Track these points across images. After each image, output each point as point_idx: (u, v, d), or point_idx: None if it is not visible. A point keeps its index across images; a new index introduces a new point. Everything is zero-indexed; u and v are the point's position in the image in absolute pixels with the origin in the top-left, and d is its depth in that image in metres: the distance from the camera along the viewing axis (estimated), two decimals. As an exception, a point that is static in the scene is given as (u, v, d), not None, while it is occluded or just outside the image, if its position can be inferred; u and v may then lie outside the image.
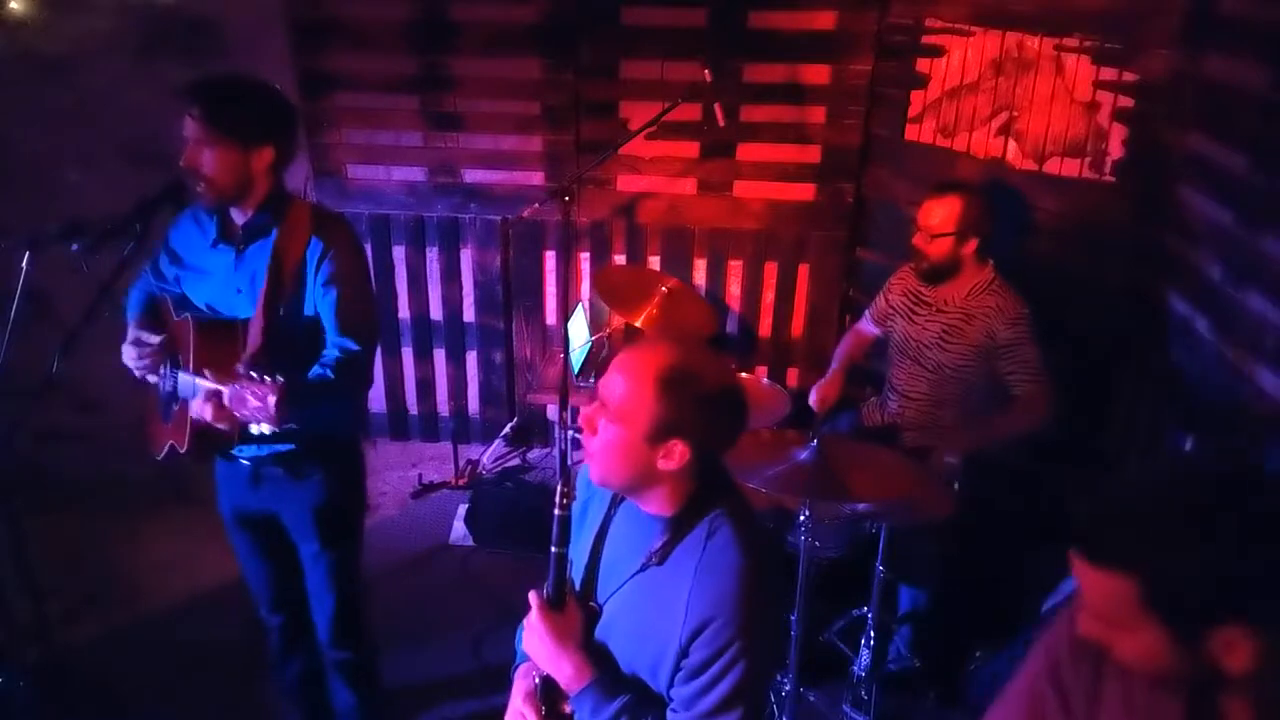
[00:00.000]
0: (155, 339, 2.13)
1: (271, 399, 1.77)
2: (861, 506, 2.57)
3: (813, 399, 3.06)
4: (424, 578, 3.56)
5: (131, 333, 2.16)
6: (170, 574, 3.48)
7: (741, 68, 3.68)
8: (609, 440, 1.43)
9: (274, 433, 1.98)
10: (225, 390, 1.84)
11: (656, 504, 1.48)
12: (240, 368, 1.83)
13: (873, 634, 2.78)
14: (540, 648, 1.53)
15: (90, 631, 3.20)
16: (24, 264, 1.94)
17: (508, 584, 3.46)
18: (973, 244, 2.82)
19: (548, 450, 4.32)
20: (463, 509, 3.84)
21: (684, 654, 1.42)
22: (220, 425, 1.91)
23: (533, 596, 1.55)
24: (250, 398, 1.78)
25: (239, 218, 2.11)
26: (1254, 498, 1.05)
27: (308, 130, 3.84)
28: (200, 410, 1.92)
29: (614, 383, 1.42)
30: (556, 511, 1.51)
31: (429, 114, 3.86)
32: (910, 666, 2.96)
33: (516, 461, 4.29)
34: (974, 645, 2.93)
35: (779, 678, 2.76)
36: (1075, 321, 3.05)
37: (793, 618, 2.61)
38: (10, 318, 1.98)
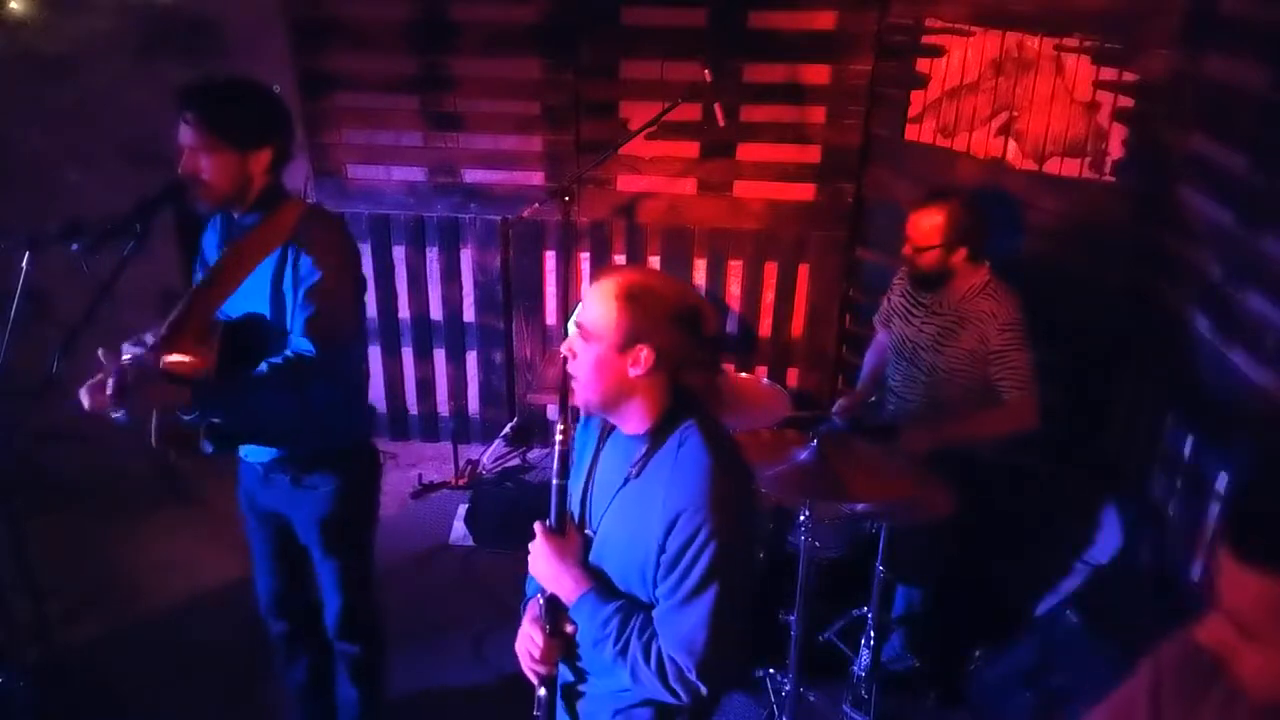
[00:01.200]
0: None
1: (110, 382, 1.72)
2: (861, 506, 2.57)
3: (836, 408, 3.17)
4: (424, 578, 3.56)
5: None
6: (170, 574, 3.48)
7: (741, 68, 3.68)
8: (586, 358, 1.58)
9: (236, 429, 1.97)
10: (111, 364, 1.78)
11: (635, 421, 1.62)
12: (148, 336, 1.81)
13: (873, 634, 2.78)
14: (544, 566, 1.67)
15: (90, 631, 3.20)
16: (24, 264, 1.94)
17: (508, 584, 3.44)
18: (961, 253, 2.80)
19: (548, 450, 4.32)
20: (463, 509, 3.84)
21: (662, 549, 1.54)
22: (100, 398, 1.80)
23: (537, 526, 1.69)
24: (103, 383, 1.74)
25: (236, 217, 2.11)
26: None
27: (308, 130, 3.84)
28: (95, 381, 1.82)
29: (587, 306, 1.59)
30: (557, 445, 1.65)
31: (429, 114, 3.86)
32: (910, 666, 2.96)
33: (516, 461, 4.29)
34: (974, 645, 2.94)
35: (779, 677, 2.76)
36: (1075, 321, 3.05)
37: (793, 618, 2.61)
38: (10, 318, 1.98)
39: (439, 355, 4.30)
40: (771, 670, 2.81)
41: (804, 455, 2.40)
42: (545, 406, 4.26)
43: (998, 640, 2.89)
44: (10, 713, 2.39)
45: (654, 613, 1.58)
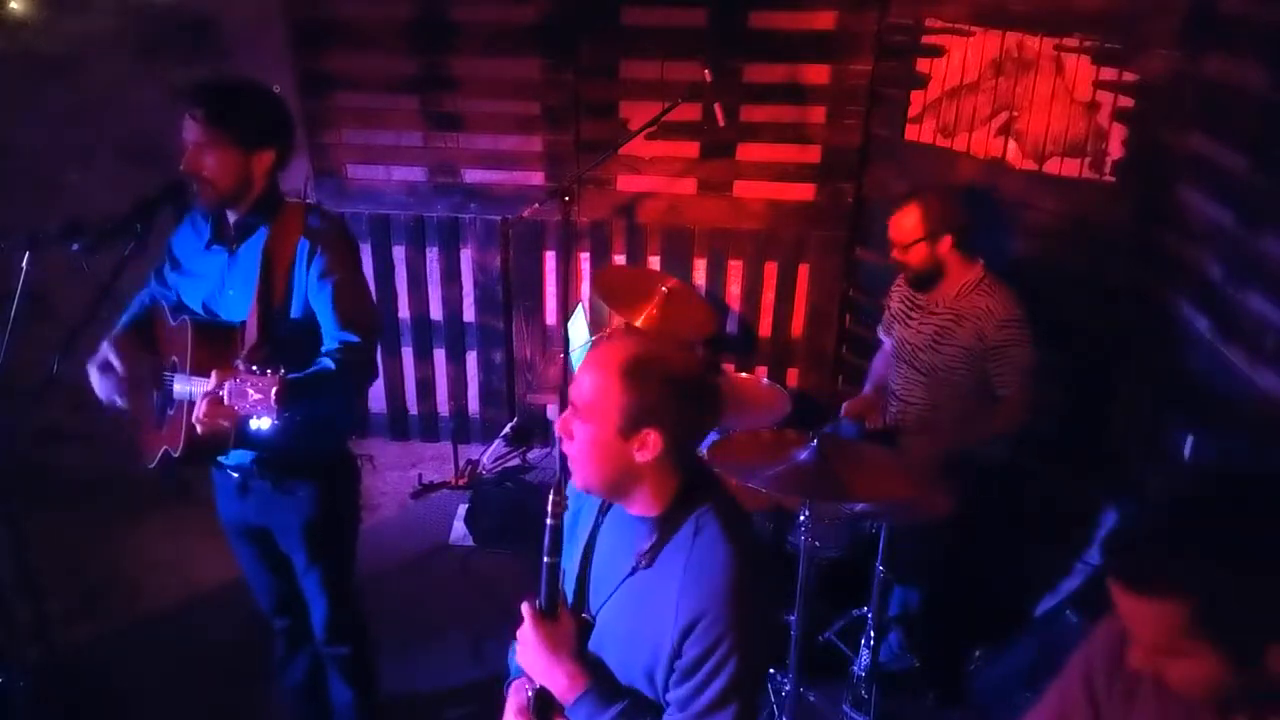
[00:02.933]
0: (122, 369, 2.09)
1: (273, 390, 1.75)
2: (861, 506, 2.57)
3: (844, 409, 3.18)
4: (424, 578, 3.56)
5: (102, 351, 2.11)
6: (170, 574, 3.48)
7: (741, 68, 3.68)
8: (584, 441, 1.43)
9: (270, 432, 1.97)
10: (226, 385, 1.81)
11: (641, 504, 1.48)
12: (239, 363, 1.82)
13: (873, 634, 2.78)
14: (534, 658, 1.52)
15: (90, 631, 3.20)
16: (24, 264, 1.94)
17: (508, 584, 3.45)
18: (947, 240, 2.83)
19: (548, 450, 4.32)
20: (463, 509, 3.84)
21: (677, 654, 1.41)
22: (222, 422, 1.89)
23: (525, 608, 1.54)
24: (251, 390, 1.77)
25: (232, 218, 2.11)
26: None
27: (308, 130, 3.84)
28: (200, 409, 1.89)
29: (581, 383, 1.43)
30: (549, 521, 1.51)
31: (429, 114, 3.86)
32: (910, 666, 2.96)
33: (516, 461, 4.28)
34: (974, 645, 2.94)
35: (779, 677, 2.76)
36: (1075, 321, 3.05)
37: (793, 618, 2.60)
38: (10, 318, 1.98)
39: (439, 355, 4.30)
40: (771, 670, 2.81)
41: (804, 455, 2.40)
42: (545, 406, 4.26)
43: (998, 640, 2.89)
44: (10, 713, 2.38)
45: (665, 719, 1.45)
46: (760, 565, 1.48)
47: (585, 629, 1.55)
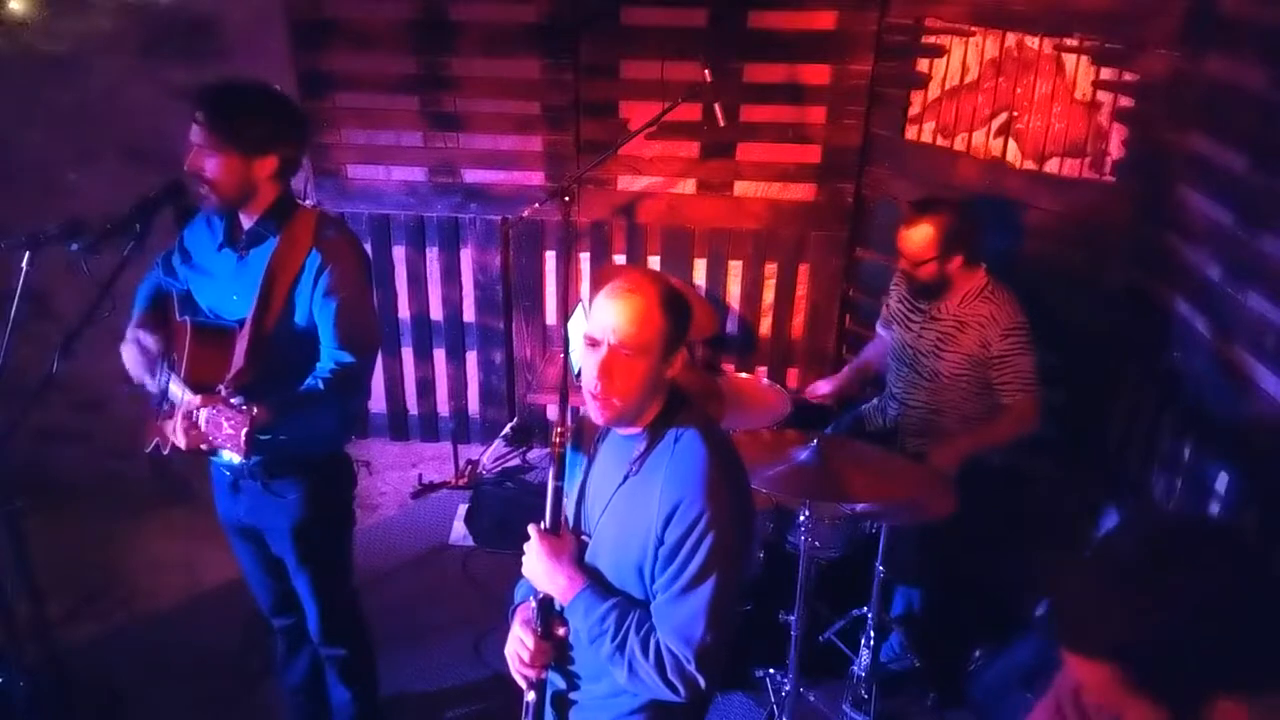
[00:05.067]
0: (154, 345, 2.12)
1: (244, 431, 1.78)
2: (861, 506, 2.57)
3: (810, 388, 3.27)
4: (424, 578, 3.56)
5: (131, 332, 2.15)
6: (170, 574, 3.48)
7: (741, 68, 3.67)
8: (639, 375, 1.54)
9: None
10: (203, 412, 1.84)
11: (640, 422, 1.61)
12: (223, 389, 1.84)
13: (873, 634, 2.78)
14: (537, 565, 1.65)
15: (90, 631, 3.20)
16: (24, 264, 1.94)
17: (508, 584, 3.43)
18: (957, 260, 2.80)
19: (547, 450, 4.31)
20: (463, 509, 3.84)
21: (660, 540, 1.53)
22: (198, 444, 1.91)
23: (532, 528, 1.68)
24: (225, 423, 1.80)
25: (246, 223, 2.11)
26: (1204, 555, 1.03)
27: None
28: (176, 426, 1.92)
29: (625, 324, 1.52)
30: (555, 446, 1.65)
31: (429, 114, 3.86)
32: (910, 666, 2.96)
33: (516, 461, 4.29)
34: (974, 645, 2.94)
35: (779, 677, 2.76)
36: (1075, 321, 3.05)
37: (793, 618, 2.61)
38: (10, 318, 1.98)
39: (439, 355, 4.29)
40: (771, 670, 2.81)
41: (804, 455, 2.40)
42: (545, 406, 4.26)
43: (998, 640, 2.89)
44: (10, 713, 2.39)
45: (652, 605, 1.57)
46: (733, 459, 1.61)
47: (583, 546, 1.68)
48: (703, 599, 1.51)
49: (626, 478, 1.61)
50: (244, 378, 1.97)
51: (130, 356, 2.14)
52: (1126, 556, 1.08)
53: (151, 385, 2.15)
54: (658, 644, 1.54)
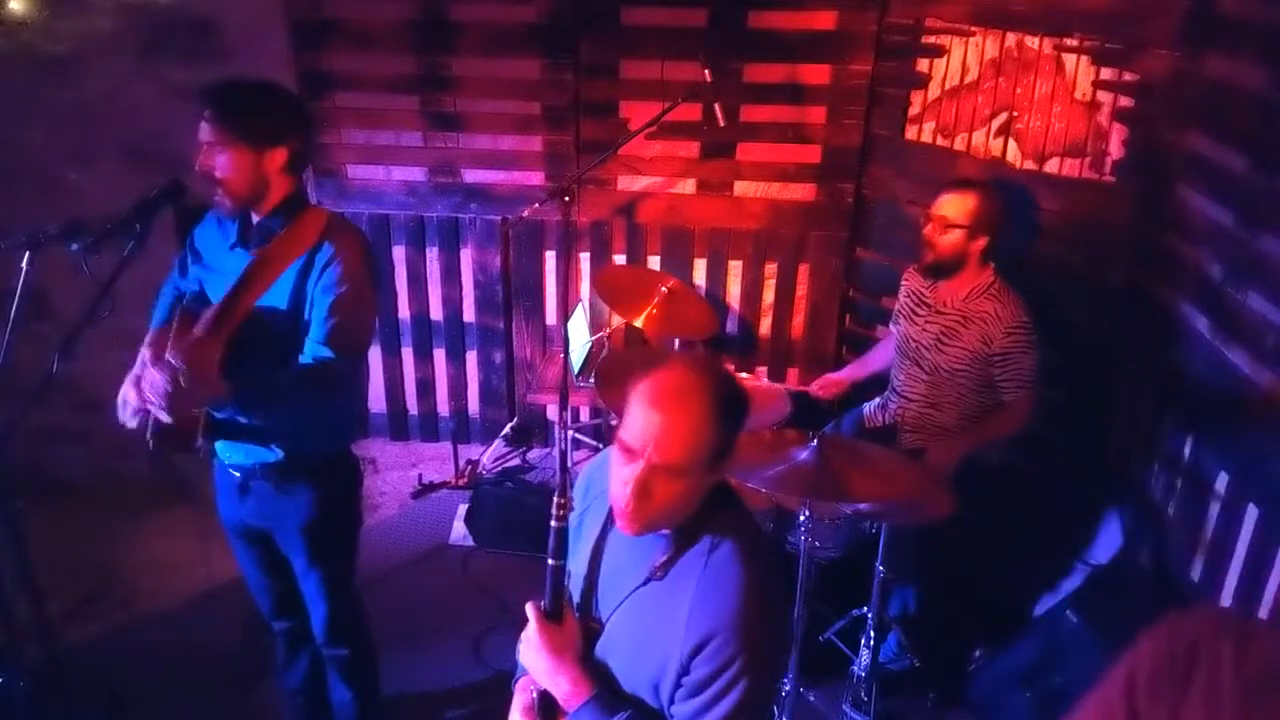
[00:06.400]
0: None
1: (162, 383, 1.75)
2: (861, 506, 2.57)
3: (813, 385, 3.28)
4: (424, 578, 3.56)
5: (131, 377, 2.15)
6: (170, 574, 3.47)
7: (741, 68, 3.67)
8: (679, 497, 1.36)
9: (249, 427, 1.98)
10: (147, 373, 1.82)
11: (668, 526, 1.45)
12: (168, 353, 1.81)
13: (873, 634, 2.78)
14: (538, 662, 1.49)
15: (90, 631, 3.20)
16: (24, 264, 1.94)
17: (508, 584, 3.46)
18: (981, 242, 2.82)
19: (548, 450, 4.32)
20: (463, 509, 3.84)
21: (685, 670, 1.39)
22: (131, 403, 1.89)
23: (530, 609, 1.51)
24: (156, 378, 1.77)
25: (255, 220, 2.11)
26: None
27: (308, 130, 3.83)
28: (130, 389, 1.90)
29: (670, 442, 1.32)
30: (553, 523, 1.48)
31: (429, 114, 3.86)
32: (910, 666, 2.96)
33: (516, 461, 4.29)
34: (974, 645, 2.94)
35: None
36: (1075, 321, 3.06)
37: (793, 618, 2.61)
38: (10, 318, 1.97)
39: (439, 355, 4.29)
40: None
41: (804, 455, 2.40)
42: (545, 406, 4.26)
43: (998, 640, 2.89)
44: (10, 713, 2.38)
45: None
46: (775, 587, 1.45)
47: (590, 634, 1.53)
48: None
49: (649, 580, 1.45)
50: (203, 345, 1.93)
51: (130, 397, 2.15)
52: None
53: (131, 423, 2.15)
54: None
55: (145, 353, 1.90)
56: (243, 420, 2.03)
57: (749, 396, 1.41)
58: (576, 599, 1.58)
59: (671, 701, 1.43)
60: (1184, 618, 1.12)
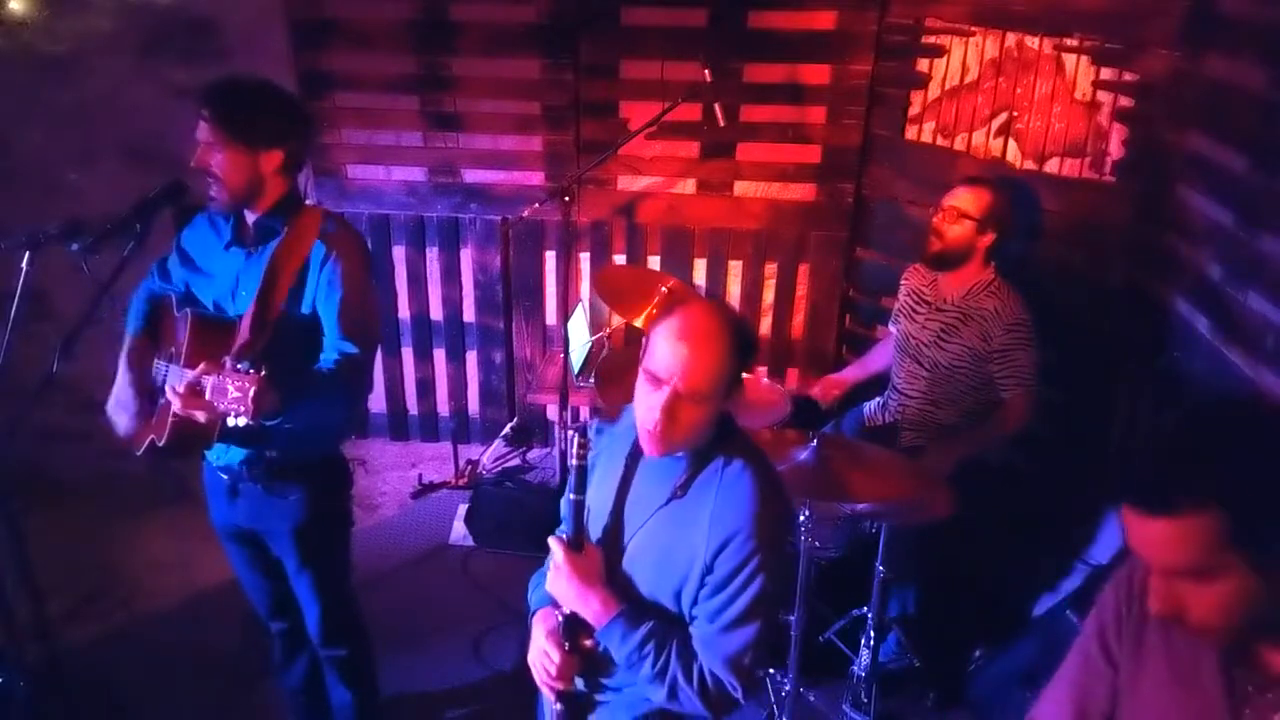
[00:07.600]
0: (134, 403, 2.15)
1: (251, 391, 1.75)
2: (861, 506, 2.57)
3: (815, 388, 3.27)
4: (424, 578, 3.56)
5: (116, 388, 2.17)
6: (170, 574, 3.48)
7: (741, 68, 3.67)
8: (701, 421, 1.53)
9: (260, 429, 1.97)
10: (208, 379, 1.81)
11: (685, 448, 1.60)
12: (227, 360, 1.82)
13: (873, 634, 2.78)
14: (567, 587, 1.63)
15: (90, 631, 3.20)
16: (24, 264, 1.94)
17: (508, 584, 3.45)
18: (989, 238, 2.83)
19: (548, 450, 4.32)
20: (463, 509, 3.84)
21: (709, 569, 1.55)
22: (197, 415, 1.87)
23: (554, 542, 1.65)
24: (231, 388, 1.77)
25: (251, 219, 2.12)
26: None
27: (308, 130, 3.83)
28: (178, 400, 1.88)
29: (695, 373, 1.48)
30: (574, 461, 1.62)
31: (429, 114, 3.86)
32: (910, 666, 2.96)
33: (516, 461, 4.29)
34: (974, 645, 2.94)
35: (779, 677, 2.76)
36: (1075, 321, 3.06)
37: (793, 618, 2.61)
38: (10, 318, 1.98)
39: (439, 355, 4.29)
40: (771, 670, 2.81)
41: (804, 455, 2.40)
42: (545, 406, 4.26)
43: (998, 640, 2.89)
44: (10, 713, 2.38)
45: (695, 631, 1.59)
46: (783, 495, 1.62)
47: (611, 560, 1.67)
48: (749, 633, 1.55)
49: (671, 499, 1.61)
50: (249, 351, 1.97)
51: (118, 420, 2.17)
52: (1217, 413, 1.06)
53: (124, 430, 2.17)
54: (702, 670, 1.56)
55: (201, 366, 1.86)
56: (268, 423, 2.00)
57: (756, 336, 1.55)
58: (602, 530, 1.70)
59: (694, 603, 1.58)
60: (1135, 564, 1.21)
